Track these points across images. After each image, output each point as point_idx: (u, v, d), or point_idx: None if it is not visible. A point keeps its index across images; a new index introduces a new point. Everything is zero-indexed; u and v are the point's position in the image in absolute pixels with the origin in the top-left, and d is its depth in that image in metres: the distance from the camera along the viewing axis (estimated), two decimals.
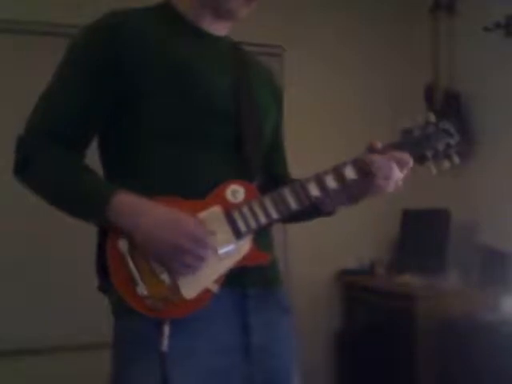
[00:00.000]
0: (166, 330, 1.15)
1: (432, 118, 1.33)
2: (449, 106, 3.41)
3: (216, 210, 1.20)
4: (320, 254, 3.63)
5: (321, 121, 3.69)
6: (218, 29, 1.34)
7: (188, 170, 1.22)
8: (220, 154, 1.25)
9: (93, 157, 1.31)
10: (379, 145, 1.28)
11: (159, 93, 1.21)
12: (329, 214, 1.41)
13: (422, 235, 3.54)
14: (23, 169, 1.22)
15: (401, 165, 1.27)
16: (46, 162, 1.21)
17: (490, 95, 3.31)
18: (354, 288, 3.62)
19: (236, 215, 1.20)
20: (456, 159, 1.33)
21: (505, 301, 2.83)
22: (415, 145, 1.30)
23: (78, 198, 1.19)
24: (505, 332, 2.64)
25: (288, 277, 3.14)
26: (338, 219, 2.35)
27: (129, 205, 1.16)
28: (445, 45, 3.53)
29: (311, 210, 1.32)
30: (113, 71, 1.21)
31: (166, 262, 1.15)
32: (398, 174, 1.27)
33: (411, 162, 1.28)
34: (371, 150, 1.27)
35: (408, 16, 3.82)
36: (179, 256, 1.13)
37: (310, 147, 3.50)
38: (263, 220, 1.22)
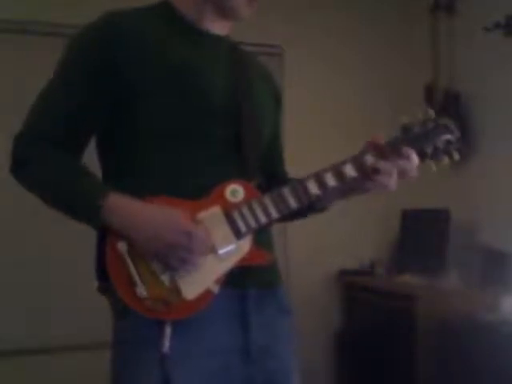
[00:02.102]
0: (167, 330, 1.15)
1: (431, 114, 1.32)
2: (449, 106, 3.41)
3: (216, 209, 1.20)
4: (320, 254, 3.63)
5: (321, 121, 3.69)
6: (218, 28, 1.34)
7: (187, 170, 1.22)
8: (219, 153, 1.25)
9: (91, 157, 1.31)
10: (382, 140, 1.27)
11: (158, 93, 1.21)
12: (322, 210, 1.41)
13: (422, 235, 3.53)
14: (20, 168, 1.23)
15: (403, 174, 1.26)
16: (42, 162, 1.21)
17: (489, 95, 3.31)
18: (354, 288, 3.62)
19: (236, 215, 1.20)
20: (456, 156, 1.31)
21: (505, 301, 2.82)
22: (415, 141, 1.28)
23: (72, 199, 1.19)
24: (505, 332, 2.64)
25: (288, 277, 3.14)
26: (338, 219, 2.37)
27: (122, 206, 1.16)
28: (445, 45, 3.53)
29: (308, 207, 1.31)
30: (110, 71, 1.20)
31: (162, 260, 1.15)
32: (396, 180, 1.27)
33: (415, 172, 1.27)
34: (374, 148, 1.27)
35: (408, 16, 3.82)
36: (172, 252, 1.14)
37: (310, 147, 3.49)
38: (263, 219, 1.22)
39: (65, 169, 1.21)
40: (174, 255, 1.14)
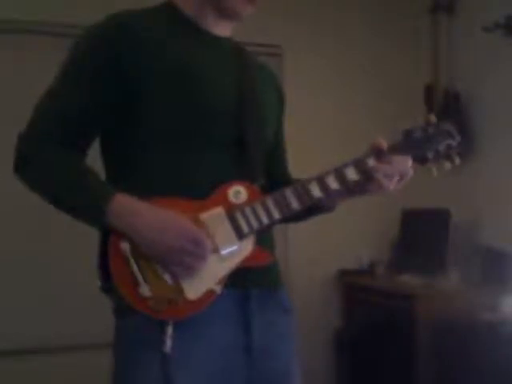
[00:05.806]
0: (169, 330, 1.15)
1: (433, 119, 1.33)
2: (449, 106, 3.41)
3: (218, 210, 1.20)
4: (320, 254, 3.63)
5: (321, 121, 3.69)
6: (221, 29, 1.34)
7: (190, 171, 1.22)
8: (222, 154, 1.25)
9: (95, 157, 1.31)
10: (384, 145, 1.28)
11: (161, 93, 1.21)
12: (329, 210, 1.41)
13: (422, 235, 3.54)
14: (23, 167, 1.22)
15: (401, 177, 1.28)
16: (46, 162, 1.21)
17: (490, 95, 3.31)
18: (353, 288, 3.62)
19: (238, 216, 1.21)
20: (457, 160, 1.33)
21: (505, 301, 2.83)
22: (416, 146, 1.30)
23: (76, 199, 1.19)
24: (505, 332, 2.64)
25: (288, 277, 3.14)
26: (338, 219, 2.36)
27: (127, 207, 1.16)
28: (445, 45, 3.53)
29: (312, 208, 1.32)
30: (114, 72, 1.20)
31: (166, 264, 1.15)
32: (395, 183, 1.29)
33: (411, 173, 1.29)
34: (376, 152, 1.27)
35: (408, 16, 3.82)
36: (179, 257, 1.14)
37: (310, 147, 3.50)
38: (265, 220, 1.22)
39: (69, 168, 1.21)
40: (177, 260, 1.14)
